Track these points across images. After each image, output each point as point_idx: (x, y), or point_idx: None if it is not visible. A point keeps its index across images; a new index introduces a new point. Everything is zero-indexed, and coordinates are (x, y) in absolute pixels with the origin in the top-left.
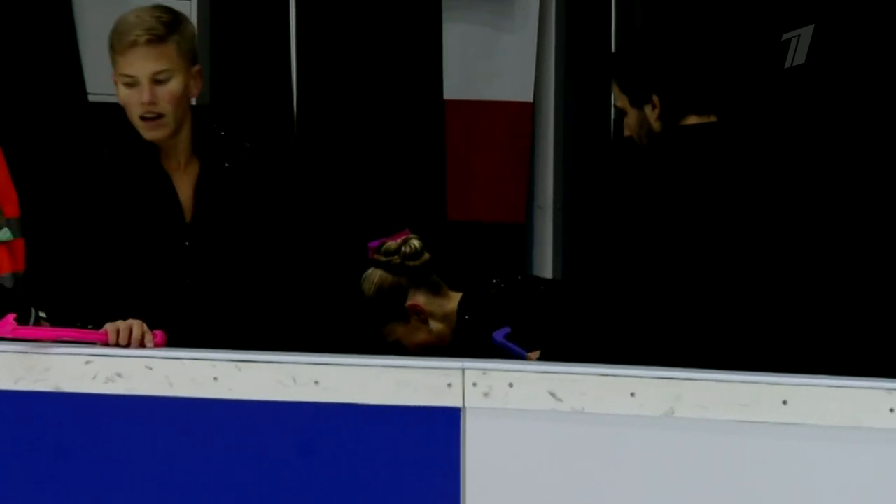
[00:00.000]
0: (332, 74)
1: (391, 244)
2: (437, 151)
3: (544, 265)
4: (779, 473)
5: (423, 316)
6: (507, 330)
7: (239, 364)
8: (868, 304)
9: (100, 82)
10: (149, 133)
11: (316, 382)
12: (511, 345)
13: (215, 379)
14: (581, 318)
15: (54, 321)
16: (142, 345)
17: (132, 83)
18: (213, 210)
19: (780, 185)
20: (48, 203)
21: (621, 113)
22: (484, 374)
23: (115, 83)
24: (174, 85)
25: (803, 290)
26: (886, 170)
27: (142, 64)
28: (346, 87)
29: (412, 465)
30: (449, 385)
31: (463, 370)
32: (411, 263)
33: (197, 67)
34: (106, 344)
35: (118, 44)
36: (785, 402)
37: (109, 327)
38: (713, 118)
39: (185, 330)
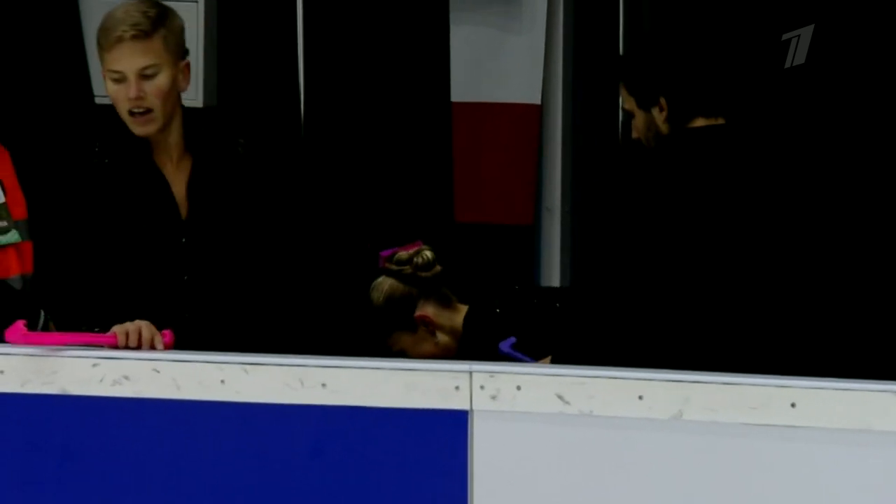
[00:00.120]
0: (340, 76)
1: (403, 254)
2: (445, 154)
3: (552, 267)
4: (787, 476)
5: (431, 327)
6: (513, 340)
7: (246, 367)
8: (875, 305)
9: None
10: (138, 128)
11: (323, 385)
12: (518, 354)
13: (222, 382)
14: (589, 322)
15: (56, 321)
16: (152, 346)
17: (119, 79)
18: (208, 206)
19: (787, 188)
20: (47, 204)
21: (629, 115)
22: (492, 376)
23: (104, 79)
24: (162, 80)
25: (810, 293)
26: (887, 170)
27: (128, 59)
28: (354, 90)
29: (420, 467)
30: (457, 388)
31: (471, 373)
32: (423, 274)
33: (185, 61)
34: (115, 347)
35: (105, 40)
36: (793, 405)
37: (118, 330)
38: (721, 120)
39: (185, 327)
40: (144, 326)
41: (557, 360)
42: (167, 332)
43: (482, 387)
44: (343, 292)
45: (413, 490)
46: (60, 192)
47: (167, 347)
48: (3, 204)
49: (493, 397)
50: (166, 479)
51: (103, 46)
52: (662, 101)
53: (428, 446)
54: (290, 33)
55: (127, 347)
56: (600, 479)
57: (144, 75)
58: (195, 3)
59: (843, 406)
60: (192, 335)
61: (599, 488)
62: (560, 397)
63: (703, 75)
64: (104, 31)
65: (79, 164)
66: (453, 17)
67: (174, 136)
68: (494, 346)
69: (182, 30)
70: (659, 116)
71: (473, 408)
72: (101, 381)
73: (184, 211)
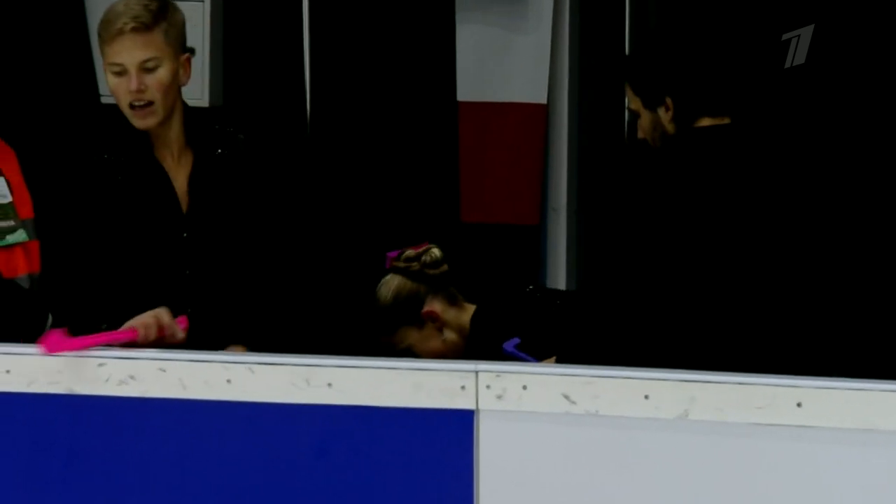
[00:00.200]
0: (346, 76)
1: (411, 251)
2: (451, 153)
3: (558, 267)
4: (794, 476)
5: (438, 323)
6: (517, 340)
7: (252, 366)
8: (881, 305)
9: None
10: (138, 121)
11: (329, 385)
12: (522, 355)
13: (228, 381)
14: (595, 322)
15: (59, 318)
16: (172, 335)
17: (120, 72)
18: (209, 200)
19: (794, 187)
20: (49, 200)
21: (635, 115)
22: (498, 376)
23: (105, 72)
24: (162, 73)
25: (816, 292)
26: (887, 170)
27: (129, 52)
28: (360, 89)
29: (425, 467)
30: (462, 387)
31: (476, 373)
32: (430, 272)
33: (186, 55)
34: (136, 342)
35: (105, 33)
36: (800, 405)
37: (137, 325)
38: (726, 120)
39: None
40: (161, 314)
41: (562, 359)
42: (182, 318)
43: (488, 386)
44: (347, 290)
45: (419, 490)
46: (62, 189)
47: (185, 332)
48: (10, 203)
49: (499, 397)
50: (172, 478)
51: (104, 39)
52: (668, 100)
53: (434, 446)
54: (296, 33)
55: (147, 341)
56: (606, 478)
57: (145, 68)
58: (201, 3)
59: (850, 406)
60: (194, 330)
61: (605, 488)
62: (566, 397)
63: (708, 75)
64: (105, 24)
65: (80, 160)
66: (459, 16)
67: (175, 130)
68: (501, 345)
69: (183, 23)
70: (665, 116)
71: (479, 407)
72: (107, 380)
73: (184, 205)
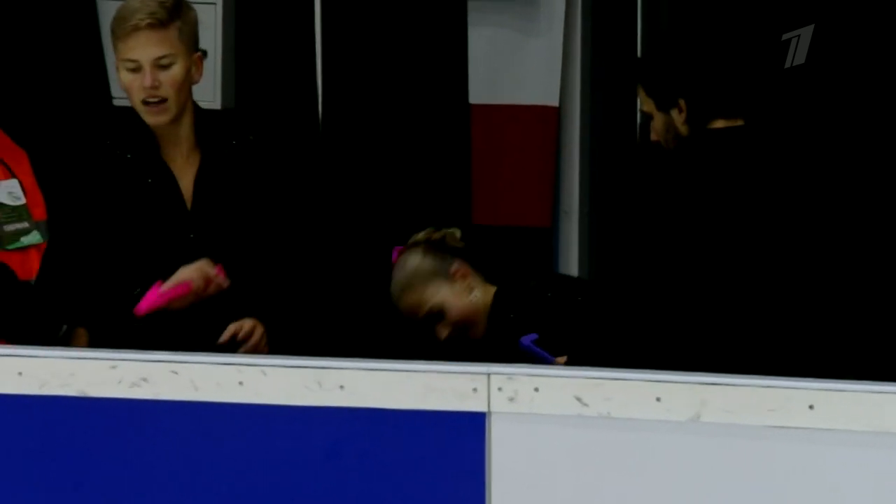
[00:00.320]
0: (357, 78)
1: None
2: (463, 156)
3: (570, 270)
4: (805, 479)
5: (468, 282)
6: (534, 336)
7: (265, 368)
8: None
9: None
10: (151, 118)
11: (341, 387)
12: (538, 350)
13: (241, 383)
14: (608, 324)
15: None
16: (218, 284)
17: (135, 68)
18: (215, 200)
19: (808, 189)
20: (58, 198)
21: (647, 117)
22: (509, 378)
23: (117, 69)
24: (176, 70)
25: (830, 294)
26: (887, 170)
27: (144, 48)
28: (372, 92)
29: (437, 469)
30: (474, 390)
31: (488, 375)
32: (451, 243)
33: (198, 53)
34: (190, 292)
35: (120, 29)
36: (811, 407)
37: (190, 277)
38: (740, 122)
39: (193, 322)
40: (206, 265)
41: (574, 359)
42: (219, 266)
43: (500, 389)
44: (356, 293)
45: (431, 492)
46: (69, 185)
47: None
48: (24, 205)
49: (511, 399)
50: (184, 481)
51: (118, 35)
52: (682, 102)
53: (445, 448)
54: (308, 35)
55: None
56: (618, 481)
57: (160, 65)
58: (213, 5)
59: (862, 408)
60: (200, 327)
61: (617, 490)
62: (578, 399)
63: (722, 77)
64: (119, 21)
65: (88, 156)
66: (471, 18)
67: (185, 128)
68: (521, 329)
69: (196, 21)
70: (678, 118)
71: (491, 410)
72: (119, 382)
73: (190, 204)
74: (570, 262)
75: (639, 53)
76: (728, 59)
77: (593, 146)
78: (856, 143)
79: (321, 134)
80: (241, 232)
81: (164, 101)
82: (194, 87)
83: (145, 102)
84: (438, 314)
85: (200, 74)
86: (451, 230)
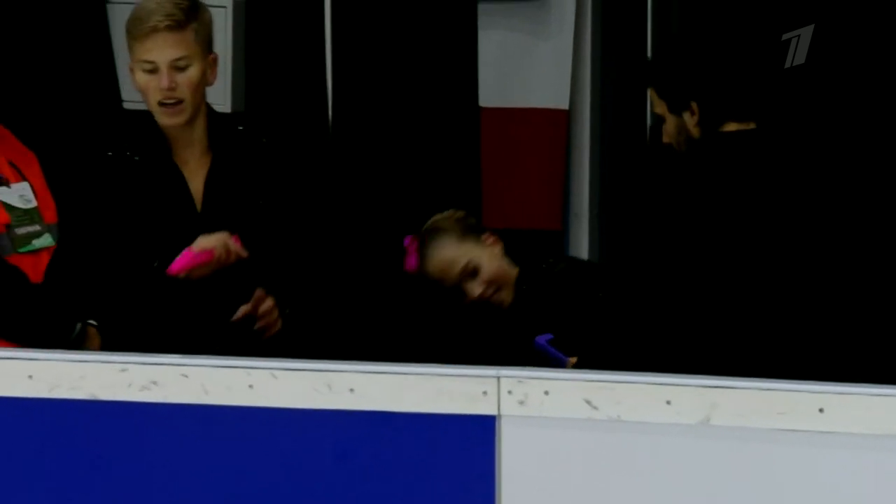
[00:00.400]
0: (367, 81)
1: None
2: (473, 159)
3: None
4: (815, 482)
5: (500, 246)
6: (550, 336)
7: (275, 372)
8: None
9: (134, 91)
10: (167, 119)
11: (351, 390)
12: (553, 350)
13: (251, 387)
14: (618, 326)
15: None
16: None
17: (152, 69)
18: (225, 202)
19: (821, 193)
20: (68, 198)
21: (658, 119)
22: (519, 382)
23: (132, 70)
24: (193, 72)
25: (842, 297)
26: (888, 170)
27: (161, 50)
28: (382, 95)
29: (447, 473)
30: (484, 393)
31: (498, 378)
32: (473, 221)
33: (213, 55)
34: (213, 259)
35: (137, 30)
36: (822, 411)
37: (212, 246)
38: (752, 125)
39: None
40: (225, 236)
41: (583, 362)
42: (235, 237)
43: (510, 392)
44: (366, 294)
45: (440, 496)
46: (79, 186)
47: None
48: (35, 208)
49: (521, 402)
50: (194, 484)
51: (135, 36)
52: (694, 105)
53: (455, 452)
54: (318, 38)
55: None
56: (628, 484)
57: (176, 67)
58: (224, 9)
59: (872, 412)
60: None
61: (627, 494)
62: (588, 402)
63: (734, 80)
64: (136, 21)
65: (99, 156)
66: (481, 21)
67: (198, 131)
68: (545, 309)
69: (211, 23)
70: (690, 121)
71: (501, 413)
72: (129, 386)
73: (200, 206)
74: None
75: (649, 56)
76: (740, 62)
77: (603, 149)
78: (857, 144)
79: (331, 137)
80: (251, 234)
81: (180, 102)
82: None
83: (161, 104)
84: (473, 272)
85: (215, 76)
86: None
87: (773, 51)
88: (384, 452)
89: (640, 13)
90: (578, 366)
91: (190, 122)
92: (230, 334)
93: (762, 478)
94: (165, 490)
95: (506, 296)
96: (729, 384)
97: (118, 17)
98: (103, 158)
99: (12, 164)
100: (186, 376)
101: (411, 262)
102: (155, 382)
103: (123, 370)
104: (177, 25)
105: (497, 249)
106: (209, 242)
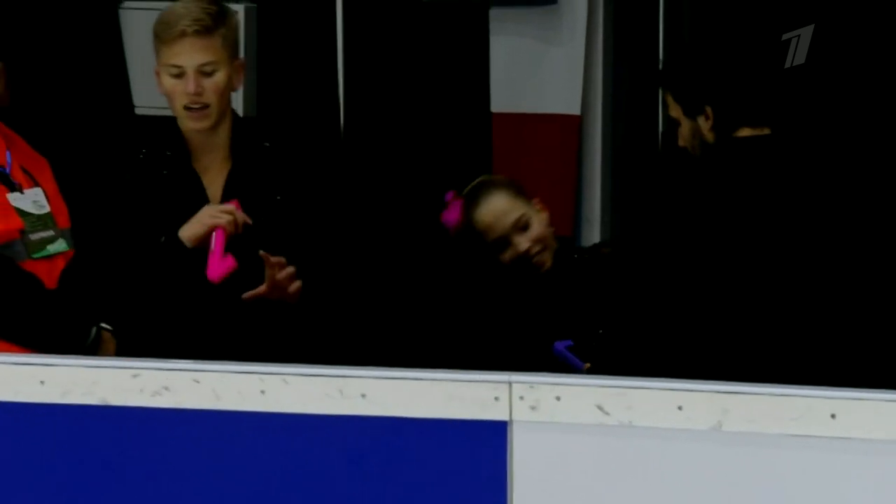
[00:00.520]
0: (379, 87)
1: None
2: (485, 164)
3: None
4: (827, 488)
5: (546, 213)
6: (569, 342)
7: (286, 377)
8: None
9: (146, 96)
10: (192, 123)
11: (363, 395)
12: (571, 356)
13: (263, 392)
14: (630, 332)
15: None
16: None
17: (179, 74)
18: (242, 207)
19: (835, 198)
20: (84, 204)
21: (672, 124)
22: (531, 387)
23: (157, 74)
24: (219, 77)
25: (857, 302)
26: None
27: (189, 54)
28: (393, 101)
29: (459, 478)
30: (496, 398)
31: (510, 383)
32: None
33: (239, 60)
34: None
35: (165, 34)
36: (834, 416)
37: (210, 224)
38: (766, 131)
39: (218, 330)
40: (230, 209)
41: (596, 368)
42: (234, 201)
43: (521, 397)
44: (378, 300)
45: (452, 501)
46: (96, 193)
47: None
48: (49, 213)
49: (533, 408)
50: (206, 490)
51: (163, 40)
52: (708, 110)
53: (467, 457)
54: (329, 44)
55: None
56: (640, 490)
57: (203, 72)
58: (235, 14)
59: (884, 417)
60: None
61: (639, 500)
62: (600, 408)
63: (749, 86)
64: (165, 25)
65: (116, 164)
66: (493, 27)
67: (222, 136)
68: (578, 288)
69: (237, 28)
70: (705, 125)
71: (513, 418)
72: (141, 391)
73: None
74: None
75: (660, 62)
76: (755, 67)
77: (615, 154)
78: (858, 145)
79: (343, 142)
80: (266, 239)
81: (206, 107)
82: None
83: (187, 108)
84: (524, 226)
85: (241, 82)
86: None
87: (778, 55)
88: (396, 458)
89: (652, 19)
90: (591, 371)
91: (214, 126)
92: (241, 314)
93: (774, 483)
94: (177, 495)
95: (548, 258)
96: (741, 390)
97: (130, 22)
98: (122, 163)
99: (25, 170)
100: (198, 382)
101: (453, 215)
102: (167, 388)
103: (135, 375)
104: (205, 31)
105: (545, 216)
106: (209, 222)
